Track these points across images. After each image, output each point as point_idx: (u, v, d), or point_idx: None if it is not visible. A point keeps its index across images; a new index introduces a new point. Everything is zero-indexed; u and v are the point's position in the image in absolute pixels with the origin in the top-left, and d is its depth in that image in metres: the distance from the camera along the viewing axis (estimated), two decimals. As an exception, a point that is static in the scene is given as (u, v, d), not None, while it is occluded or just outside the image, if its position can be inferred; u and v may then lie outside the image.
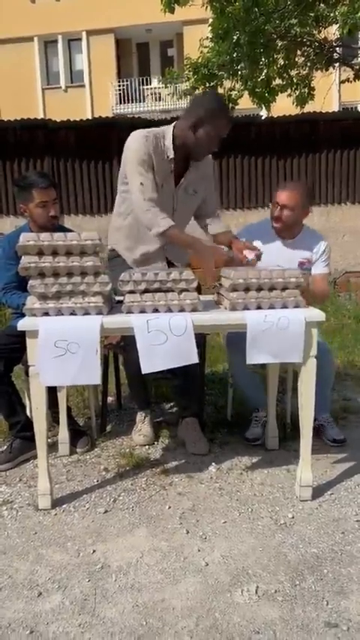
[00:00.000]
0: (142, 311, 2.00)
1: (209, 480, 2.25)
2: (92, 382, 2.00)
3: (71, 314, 1.97)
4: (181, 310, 2.00)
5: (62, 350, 1.91)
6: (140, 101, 19.48)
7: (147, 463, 2.43)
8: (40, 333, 1.89)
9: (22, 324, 1.92)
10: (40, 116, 15.85)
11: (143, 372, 1.97)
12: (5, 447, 2.51)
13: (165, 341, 1.95)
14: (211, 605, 1.53)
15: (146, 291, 2.01)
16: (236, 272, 2.01)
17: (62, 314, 1.96)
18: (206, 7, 7.57)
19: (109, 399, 3.11)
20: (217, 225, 2.56)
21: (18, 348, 2.40)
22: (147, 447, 2.60)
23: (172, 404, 3.20)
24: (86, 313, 1.97)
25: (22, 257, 1.90)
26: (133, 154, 2.26)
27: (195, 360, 1.98)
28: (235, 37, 7.66)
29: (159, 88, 18.83)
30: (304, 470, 2.05)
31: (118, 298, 2.22)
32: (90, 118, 9.56)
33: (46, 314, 1.95)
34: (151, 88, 19.62)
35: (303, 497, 2.05)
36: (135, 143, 2.26)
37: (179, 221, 2.38)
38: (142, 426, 2.66)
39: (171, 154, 2.30)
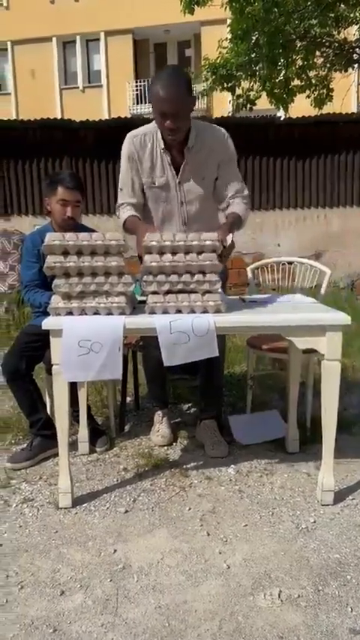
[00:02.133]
0: (165, 312, 2.00)
1: (229, 482, 2.24)
2: (115, 377, 2.01)
3: (94, 314, 1.97)
4: (204, 312, 2.00)
5: (85, 349, 1.91)
6: (157, 102, 19.47)
7: (166, 464, 2.42)
8: (64, 333, 1.90)
9: (47, 323, 1.93)
10: (58, 116, 15.95)
11: (165, 365, 1.97)
12: (26, 444, 2.53)
13: (187, 341, 1.95)
14: (233, 608, 1.52)
15: (169, 292, 2.00)
16: (149, 234, 1.97)
17: (86, 313, 1.97)
18: (225, 7, 7.56)
19: (127, 398, 3.11)
20: (229, 210, 2.35)
21: (39, 347, 2.42)
22: (165, 447, 2.59)
23: (189, 404, 3.19)
24: (109, 313, 1.98)
25: (48, 256, 1.91)
26: (121, 158, 2.37)
27: (215, 353, 1.97)
28: (254, 38, 7.64)
29: (176, 88, 18.80)
30: (326, 474, 2.03)
31: (140, 298, 2.23)
32: (107, 118, 9.60)
33: (70, 313, 1.96)
34: (168, 89, 19.58)
35: (325, 501, 2.04)
36: (123, 147, 2.34)
37: (192, 212, 2.34)
38: (161, 426, 2.66)
39: (162, 145, 2.27)
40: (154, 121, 2.25)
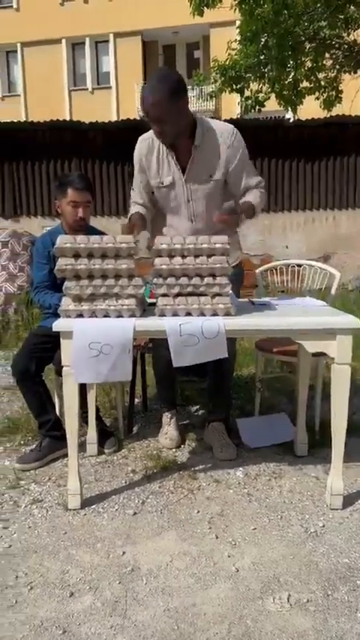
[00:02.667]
0: (175, 314, 2.00)
1: (237, 485, 2.24)
2: (124, 379, 2.03)
3: (105, 316, 1.98)
4: (214, 314, 2.00)
5: (96, 351, 1.92)
6: (165, 103, 19.50)
7: (174, 466, 2.43)
8: (74, 335, 1.91)
9: (57, 325, 1.94)
10: (67, 117, 16.02)
11: (174, 366, 1.98)
12: (35, 445, 2.54)
13: (197, 343, 1.95)
14: (242, 612, 1.52)
15: (179, 294, 2.01)
16: (159, 237, 2.00)
17: (96, 316, 1.97)
18: (235, 9, 7.56)
19: (135, 400, 3.12)
20: (243, 199, 2.35)
21: (49, 348, 2.43)
22: (174, 449, 2.60)
23: (197, 407, 3.19)
24: (119, 315, 1.98)
25: (59, 259, 1.92)
26: (134, 158, 2.42)
27: (225, 354, 1.97)
28: (263, 40, 7.64)
29: (184, 90, 18.83)
30: (335, 478, 2.02)
31: (150, 301, 2.23)
32: (116, 119, 9.62)
33: (81, 315, 1.97)
34: (177, 90, 19.63)
35: (334, 505, 2.03)
36: (135, 151, 2.39)
37: (199, 209, 2.35)
38: (169, 428, 2.66)
39: (166, 147, 2.30)
40: None
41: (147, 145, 2.34)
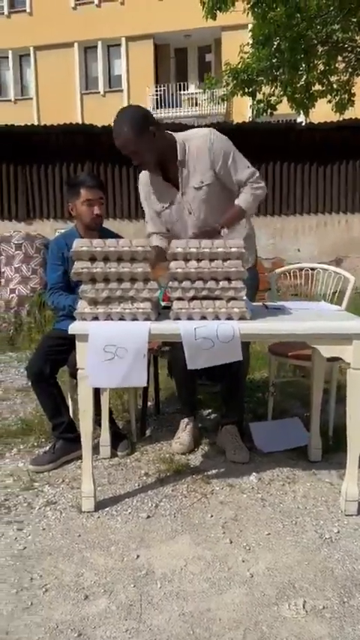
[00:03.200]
0: (190, 318, 2.00)
1: (251, 490, 2.23)
2: (140, 384, 2.03)
3: (120, 319, 1.99)
4: (229, 318, 2.00)
5: (110, 354, 1.93)
6: (177, 106, 19.60)
7: (187, 470, 2.42)
8: (89, 338, 1.92)
9: (73, 328, 1.95)
10: (79, 121, 16.12)
11: (189, 369, 1.98)
12: (48, 447, 2.55)
13: (212, 347, 1.95)
14: (258, 617, 1.51)
15: (194, 298, 2.01)
16: (175, 241, 2.01)
17: (111, 319, 1.98)
18: (247, 12, 7.57)
19: (148, 403, 3.12)
20: (238, 199, 2.37)
21: (64, 350, 2.44)
22: (186, 453, 2.59)
23: (210, 410, 3.19)
24: (134, 319, 1.99)
25: (75, 262, 1.93)
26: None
27: (239, 357, 1.97)
28: (275, 43, 7.64)
29: (196, 93, 18.94)
30: (349, 483, 2.01)
31: (163, 304, 2.23)
32: (128, 122, 9.59)
33: (96, 318, 1.98)
34: (188, 94, 19.73)
35: (348, 511, 2.02)
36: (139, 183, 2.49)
37: (202, 217, 2.38)
38: (182, 434, 2.66)
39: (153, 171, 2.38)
40: None
41: (145, 176, 2.44)
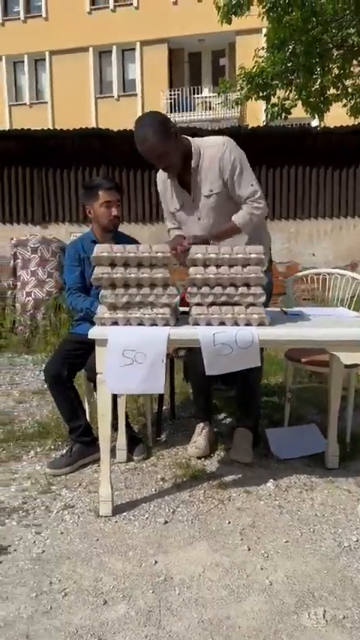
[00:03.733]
0: (209, 323, 2.00)
1: (268, 496, 2.22)
2: (156, 392, 2.04)
3: (139, 324, 1.99)
4: (248, 324, 1.99)
5: (129, 360, 1.93)
6: (191, 110, 19.65)
7: (203, 475, 2.42)
8: (109, 342, 1.93)
9: (92, 332, 1.96)
10: (93, 124, 16.22)
11: (207, 374, 1.98)
12: (65, 450, 2.56)
13: (230, 352, 1.95)
14: (277, 626, 1.51)
15: (213, 304, 2.01)
16: (195, 247, 2.02)
17: (131, 324, 1.99)
18: (262, 17, 7.57)
19: (163, 407, 3.12)
20: (236, 216, 2.37)
21: (81, 354, 2.46)
22: (203, 458, 2.59)
23: (225, 415, 3.18)
24: (153, 324, 1.99)
25: (95, 268, 1.94)
26: None
27: (258, 363, 1.97)
28: (290, 47, 7.63)
29: (210, 97, 18.96)
30: (369, 492, 1.99)
31: (182, 309, 2.24)
32: (143, 126, 9.61)
33: (115, 323, 1.99)
34: (202, 97, 19.77)
35: (367, 520, 2.00)
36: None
37: (211, 224, 2.41)
38: (198, 438, 2.65)
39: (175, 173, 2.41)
40: None
41: (162, 177, 2.51)
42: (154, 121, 2.22)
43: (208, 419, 2.73)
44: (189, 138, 2.39)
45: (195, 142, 2.37)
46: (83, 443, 2.52)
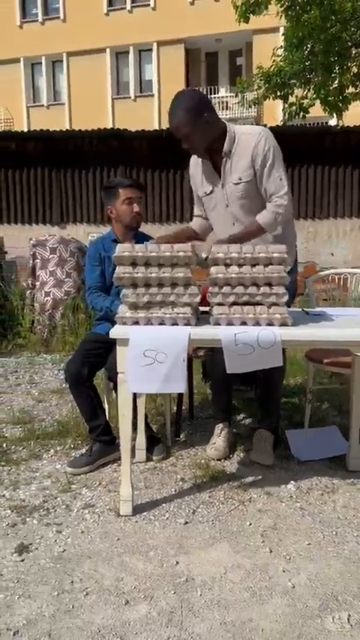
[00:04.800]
0: (230, 323, 1.99)
1: (289, 498, 2.20)
2: (177, 391, 2.04)
3: (160, 324, 1.99)
4: (270, 324, 1.98)
5: (150, 359, 1.93)
6: (207, 110, 19.60)
7: (223, 476, 2.41)
8: (130, 342, 1.92)
9: (114, 332, 1.96)
10: (110, 125, 16.29)
11: (228, 372, 1.96)
12: (85, 450, 2.57)
13: (252, 352, 1.94)
14: (301, 630, 1.49)
15: (235, 303, 2.00)
16: (216, 246, 2.01)
17: (152, 323, 1.98)
18: (280, 15, 7.52)
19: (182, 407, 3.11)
20: (259, 215, 2.33)
21: (101, 353, 2.47)
22: (222, 459, 2.57)
23: (245, 416, 3.16)
24: (174, 323, 1.99)
25: (117, 267, 1.94)
26: None
27: (280, 362, 1.95)
28: (309, 46, 7.57)
29: (227, 97, 18.92)
30: (393, 495, 1.96)
31: (203, 309, 2.22)
32: (157, 126, 9.68)
33: (136, 323, 1.98)
34: (219, 97, 19.74)
35: (391, 523, 1.97)
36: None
37: (237, 212, 2.39)
38: (218, 439, 2.63)
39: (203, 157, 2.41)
40: None
41: (194, 159, 2.49)
42: (189, 101, 2.23)
43: (227, 420, 2.71)
44: (226, 122, 2.37)
45: (231, 127, 2.35)
46: (103, 442, 2.52)
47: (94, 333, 2.64)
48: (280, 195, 2.29)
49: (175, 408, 2.95)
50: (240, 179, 2.33)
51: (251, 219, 2.33)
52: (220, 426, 2.67)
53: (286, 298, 1.97)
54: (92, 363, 2.52)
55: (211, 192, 2.44)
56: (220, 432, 2.65)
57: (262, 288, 1.97)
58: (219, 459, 2.56)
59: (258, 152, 2.28)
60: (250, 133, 2.33)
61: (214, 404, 2.88)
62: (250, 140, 2.29)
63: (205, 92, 17.73)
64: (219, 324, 1.99)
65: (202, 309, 2.22)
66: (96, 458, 2.50)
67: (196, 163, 2.49)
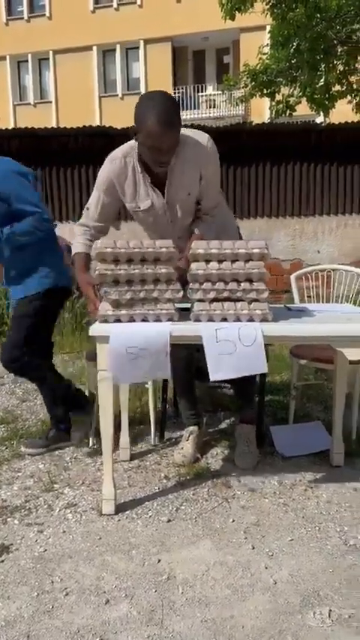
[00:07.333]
0: (210, 320, 1.98)
1: (273, 495, 2.20)
2: (164, 376, 2.14)
3: (142, 320, 1.97)
4: (250, 320, 1.97)
5: (133, 355, 1.91)
6: (195, 108, 19.62)
7: (207, 473, 2.40)
8: (111, 339, 1.90)
9: (94, 330, 1.94)
10: (97, 123, 16.21)
11: (212, 380, 1.94)
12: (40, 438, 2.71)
13: (234, 351, 1.92)
14: (282, 626, 1.48)
15: (215, 299, 1.99)
16: (196, 242, 1.97)
17: (134, 320, 1.97)
18: (266, 13, 7.53)
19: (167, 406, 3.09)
20: (199, 228, 2.25)
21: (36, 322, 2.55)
22: (206, 456, 2.56)
23: (228, 413, 3.15)
24: (157, 320, 1.97)
25: (99, 264, 1.92)
26: (97, 179, 2.25)
27: (264, 369, 1.94)
28: (295, 44, 7.59)
29: (214, 95, 18.92)
30: (375, 490, 1.96)
31: (180, 306, 2.16)
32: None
33: (118, 321, 1.96)
34: (206, 95, 19.73)
35: (374, 518, 1.97)
36: (102, 170, 2.21)
37: (185, 227, 2.26)
38: (186, 444, 2.54)
39: (138, 169, 2.14)
40: (131, 141, 2.13)
41: (119, 166, 2.15)
42: (176, 106, 1.97)
43: (195, 423, 2.63)
44: None
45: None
46: (59, 430, 2.67)
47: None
48: (215, 210, 2.27)
49: (159, 407, 2.94)
50: (189, 194, 2.16)
51: (193, 233, 2.24)
52: (190, 429, 2.60)
53: (266, 294, 1.96)
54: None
55: (149, 208, 2.19)
56: (189, 436, 2.57)
57: (242, 284, 1.96)
58: (184, 465, 2.45)
59: (209, 167, 2.14)
60: (196, 146, 2.09)
61: (180, 407, 2.75)
62: (195, 155, 2.09)
63: (192, 90, 17.60)
64: (199, 321, 1.98)
65: (181, 305, 2.16)
66: (50, 443, 2.64)
67: (121, 170, 2.15)
